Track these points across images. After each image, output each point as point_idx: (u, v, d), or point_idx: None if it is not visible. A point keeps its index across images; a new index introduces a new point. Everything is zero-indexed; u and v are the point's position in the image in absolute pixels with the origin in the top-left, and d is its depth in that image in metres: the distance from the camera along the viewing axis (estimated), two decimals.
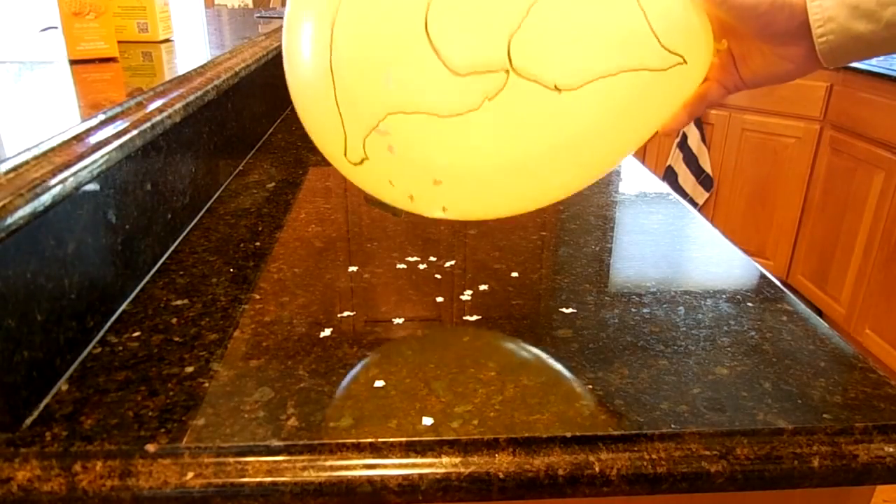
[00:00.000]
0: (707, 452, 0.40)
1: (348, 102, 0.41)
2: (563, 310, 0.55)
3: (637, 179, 0.91)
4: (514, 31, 0.37)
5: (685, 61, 0.42)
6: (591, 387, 0.44)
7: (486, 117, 0.40)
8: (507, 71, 0.38)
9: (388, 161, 0.43)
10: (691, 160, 2.34)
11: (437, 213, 0.47)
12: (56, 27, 0.77)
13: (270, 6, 2.61)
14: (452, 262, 0.63)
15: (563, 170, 0.44)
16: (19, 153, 0.42)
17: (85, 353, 0.47)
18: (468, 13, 0.38)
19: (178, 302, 0.55)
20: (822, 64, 0.43)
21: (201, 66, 0.78)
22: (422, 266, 0.63)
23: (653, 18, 0.40)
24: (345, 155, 0.44)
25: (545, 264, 0.64)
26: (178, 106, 0.62)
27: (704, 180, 2.34)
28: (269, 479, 0.38)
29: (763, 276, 0.62)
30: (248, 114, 0.97)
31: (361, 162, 0.44)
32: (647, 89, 0.42)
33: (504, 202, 0.47)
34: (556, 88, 0.39)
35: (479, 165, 0.42)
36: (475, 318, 0.53)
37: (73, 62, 0.76)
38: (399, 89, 0.40)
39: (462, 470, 0.38)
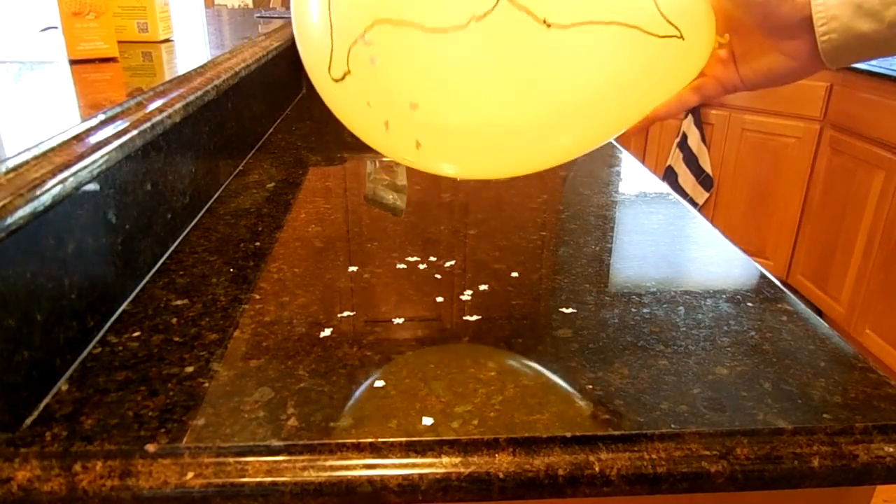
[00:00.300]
0: (707, 452, 0.40)
1: (340, 9, 0.42)
2: (563, 310, 0.55)
3: (637, 179, 0.91)
4: None
5: (682, 37, 0.42)
6: (591, 387, 0.44)
7: (471, 39, 0.39)
8: None
9: (368, 76, 0.43)
10: (691, 160, 2.34)
11: (410, 152, 0.46)
12: (56, 27, 0.77)
13: (270, 6, 2.61)
14: (452, 262, 0.63)
15: (547, 121, 0.44)
16: (19, 153, 0.42)
17: (85, 353, 0.47)
18: None
19: (178, 302, 0.55)
20: (821, 63, 0.42)
21: (201, 66, 0.78)
22: (422, 266, 0.63)
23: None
24: (329, 70, 0.44)
25: (545, 264, 0.64)
26: (178, 106, 0.62)
27: (704, 180, 2.34)
28: (269, 479, 0.38)
29: (763, 276, 0.62)
30: (248, 114, 0.97)
31: (343, 77, 0.43)
32: (638, 52, 0.41)
33: (483, 152, 0.46)
34: (546, 23, 0.39)
35: (457, 93, 0.42)
36: (475, 318, 0.53)
37: (73, 62, 0.76)
38: None
39: (462, 470, 0.38)
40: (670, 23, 0.41)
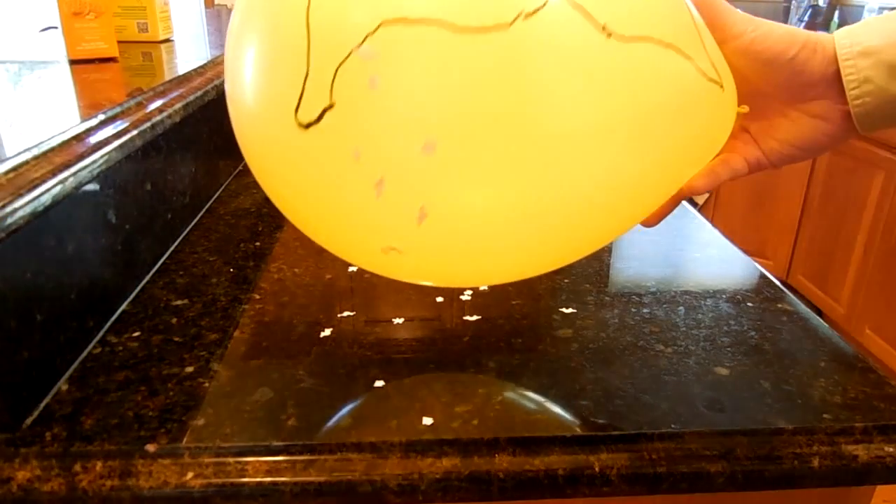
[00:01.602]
0: (707, 452, 0.40)
1: (326, 12, 0.31)
2: (563, 310, 0.55)
3: None
4: None
5: (722, 87, 0.37)
6: (591, 387, 0.44)
7: (513, 41, 0.30)
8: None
9: (362, 107, 0.31)
10: None
11: (405, 231, 0.34)
12: (56, 27, 0.77)
13: None
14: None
15: (582, 132, 0.33)
16: (19, 153, 0.42)
17: (85, 353, 0.47)
18: None
19: (178, 302, 0.55)
20: (851, 130, 0.37)
21: (201, 66, 0.78)
22: None
23: (702, 30, 0.36)
24: (295, 111, 0.32)
25: None
26: (178, 106, 0.62)
27: None
28: (269, 479, 0.38)
29: (763, 276, 0.62)
30: None
31: (319, 118, 0.31)
32: (687, 86, 0.35)
33: (504, 220, 0.34)
34: (605, 30, 0.31)
35: (493, 122, 0.31)
36: (475, 318, 0.53)
37: (73, 62, 0.76)
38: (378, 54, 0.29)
39: (462, 470, 0.38)
40: (714, 67, 0.36)
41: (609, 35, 0.31)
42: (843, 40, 0.36)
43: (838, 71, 0.36)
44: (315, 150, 0.33)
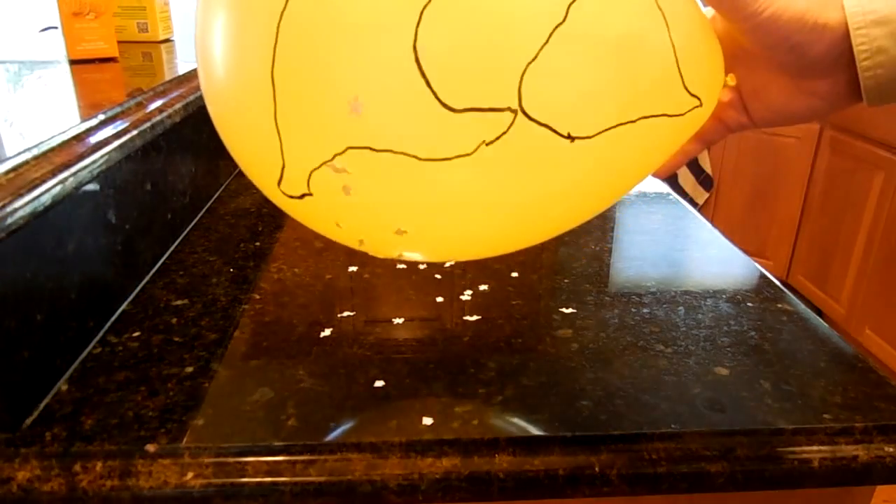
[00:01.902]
0: (707, 452, 0.40)
1: (293, 125, 0.31)
2: (563, 310, 0.55)
3: None
4: (530, 62, 0.29)
5: (701, 104, 0.37)
6: (591, 387, 0.44)
7: (478, 163, 0.31)
8: (515, 112, 0.30)
9: (339, 202, 0.33)
10: (691, 160, 2.34)
11: (392, 255, 0.39)
12: (56, 27, 0.77)
13: None
14: (452, 262, 0.63)
15: (555, 216, 0.38)
16: (19, 153, 0.42)
17: (85, 353, 0.47)
18: (472, 33, 0.29)
19: (178, 302, 0.55)
20: (857, 100, 0.35)
21: None
22: (422, 266, 0.63)
23: (681, 53, 0.34)
24: (279, 185, 0.34)
25: (545, 264, 0.64)
26: (178, 106, 0.62)
27: (704, 180, 2.34)
28: (269, 479, 0.38)
29: (763, 276, 0.62)
30: None
31: (302, 197, 0.34)
32: (659, 135, 0.36)
33: (478, 246, 0.40)
34: (569, 136, 0.31)
35: (458, 215, 0.34)
36: (475, 318, 0.53)
37: (73, 62, 0.76)
38: (368, 120, 0.30)
39: (462, 470, 0.38)
40: (693, 95, 0.35)
41: (573, 140, 0.32)
42: (854, 8, 0.33)
43: (841, 55, 0.34)
44: (302, 211, 0.36)
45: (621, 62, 0.32)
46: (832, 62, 0.34)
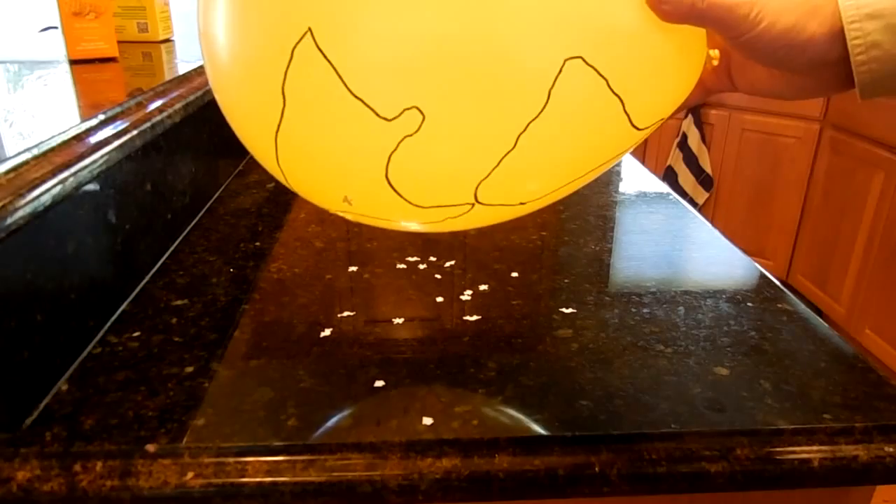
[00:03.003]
0: (707, 452, 0.40)
1: (302, 190, 0.40)
2: (563, 310, 0.55)
3: (637, 179, 0.91)
4: (483, 180, 0.35)
5: (665, 117, 0.38)
6: (591, 387, 0.44)
7: (447, 224, 0.39)
8: (473, 203, 0.36)
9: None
10: (691, 160, 2.34)
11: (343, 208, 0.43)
12: (56, 27, 0.77)
13: None
14: (452, 262, 0.63)
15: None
16: (19, 153, 0.42)
17: (85, 353, 0.47)
18: (433, 165, 0.34)
19: (178, 302, 0.55)
20: (845, 89, 0.36)
21: (201, 66, 0.78)
22: (422, 266, 0.63)
23: (628, 100, 0.34)
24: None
25: (545, 264, 0.64)
26: (178, 106, 0.62)
27: (704, 180, 2.34)
28: (269, 479, 0.38)
29: (763, 276, 0.62)
30: None
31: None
32: (623, 152, 0.39)
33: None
34: (521, 204, 0.38)
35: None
36: (475, 318, 0.53)
37: (73, 62, 0.76)
38: (357, 205, 0.38)
39: (462, 470, 0.38)
40: (646, 127, 0.37)
41: (524, 204, 0.39)
42: (847, 2, 0.33)
43: (835, 51, 0.34)
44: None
45: (568, 153, 0.36)
46: (822, 62, 0.34)
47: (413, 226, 0.41)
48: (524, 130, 0.33)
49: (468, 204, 0.36)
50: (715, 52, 0.39)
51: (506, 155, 0.33)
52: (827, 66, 0.35)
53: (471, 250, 0.66)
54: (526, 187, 0.37)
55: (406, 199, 0.36)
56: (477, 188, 0.35)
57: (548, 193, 0.38)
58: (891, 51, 0.33)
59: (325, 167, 0.36)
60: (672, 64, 0.36)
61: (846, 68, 0.34)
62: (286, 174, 0.38)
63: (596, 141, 0.36)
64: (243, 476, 0.38)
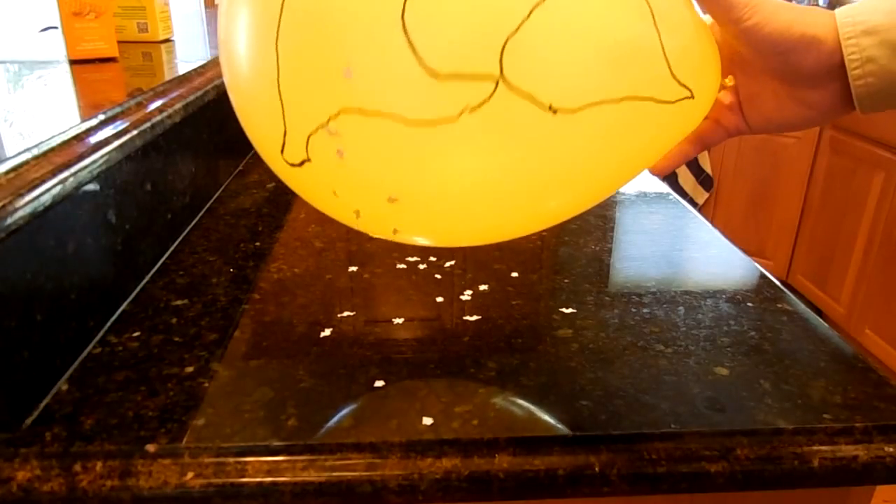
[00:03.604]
0: (707, 452, 0.40)
1: (293, 91, 0.34)
2: (563, 310, 0.55)
3: (637, 179, 0.91)
4: (512, 34, 0.31)
5: (692, 96, 0.37)
6: (591, 387, 0.44)
7: (462, 131, 0.33)
8: (497, 80, 0.32)
9: (334, 167, 0.35)
10: (691, 160, 2.34)
11: (387, 235, 0.40)
12: (56, 27, 0.77)
13: None
14: (452, 262, 0.63)
15: (543, 199, 0.38)
16: (19, 153, 0.42)
17: (85, 353, 0.47)
18: (457, 5, 0.31)
19: (178, 302, 0.55)
20: (849, 110, 0.37)
21: (201, 66, 0.78)
22: (422, 266, 0.63)
23: (666, 40, 0.35)
24: (281, 153, 0.37)
25: (545, 264, 0.64)
26: (178, 106, 0.62)
27: (704, 180, 2.34)
28: (269, 479, 0.38)
29: (763, 276, 0.62)
30: None
31: (301, 164, 0.36)
32: (648, 122, 0.36)
33: (469, 230, 0.40)
34: (552, 109, 0.33)
35: (447, 186, 0.36)
36: (475, 318, 0.53)
37: (73, 62, 0.76)
38: (359, 84, 0.32)
39: (462, 470, 0.38)
40: (682, 84, 0.36)
41: (555, 112, 0.33)
42: (844, 18, 0.34)
43: (833, 66, 0.35)
44: (303, 180, 0.39)
45: (602, 40, 0.33)
46: (824, 73, 0.35)
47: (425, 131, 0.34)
48: None
49: (492, 80, 0.31)
50: (730, 79, 0.40)
51: (537, 6, 0.31)
52: (827, 78, 0.35)
53: (471, 250, 0.66)
54: (557, 74, 0.33)
55: (420, 58, 0.31)
56: (504, 49, 0.31)
57: (579, 106, 0.33)
58: (886, 66, 0.34)
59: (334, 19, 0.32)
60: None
61: (846, 84, 0.35)
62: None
63: (629, 55, 0.34)
64: (243, 476, 0.38)
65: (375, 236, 0.41)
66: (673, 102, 0.36)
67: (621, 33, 0.34)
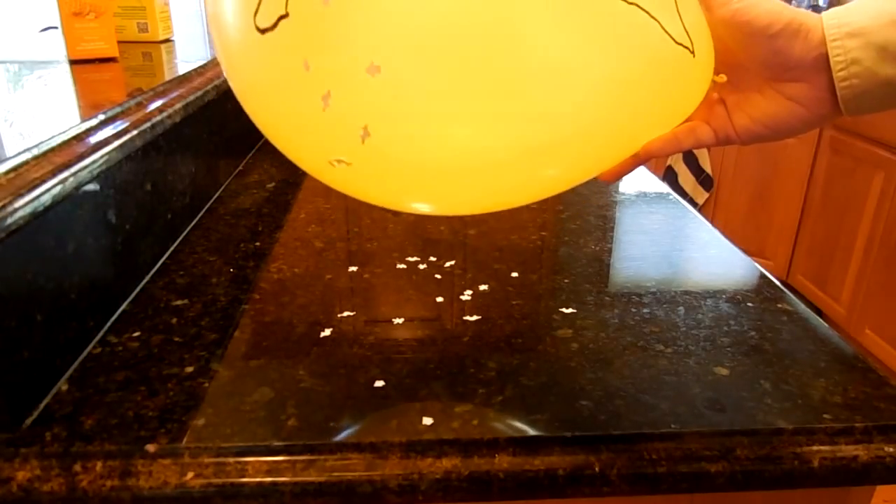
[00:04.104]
0: (707, 452, 0.40)
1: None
2: (563, 310, 0.55)
3: (637, 179, 0.91)
4: None
5: (693, 52, 0.36)
6: (591, 387, 0.44)
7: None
8: None
9: (314, 21, 0.32)
10: (691, 160, 2.34)
11: (349, 146, 0.34)
12: (56, 27, 0.77)
13: None
14: (452, 262, 0.63)
15: (538, 121, 0.34)
16: (19, 153, 0.42)
17: (85, 353, 0.47)
18: None
19: (178, 302, 0.55)
20: (837, 111, 0.36)
21: (201, 66, 0.78)
22: (422, 266, 0.63)
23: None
24: (254, 16, 0.33)
25: (545, 264, 0.64)
26: (178, 106, 0.62)
27: (704, 180, 2.34)
28: (269, 479, 0.38)
29: (763, 276, 0.62)
30: None
31: (276, 24, 0.32)
32: (651, 50, 0.35)
33: (454, 151, 0.35)
34: None
35: (442, 50, 0.31)
36: (475, 318, 0.53)
37: (73, 62, 0.76)
38: None
39: (462, 470, 0.38)
40: (686, 31, 0.35)
41: None
42: (830, 20, 0.35)
43: (821, 56, 0.35)
44: (270, 55, 0.34)
45: None
46: (810, 64, 0.35)
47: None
48: None
49: None
50: (721, 76, 0.39)
51: None
52: (813, 69, 0.35)
53: (471, 250, 0.66)
54: None
55: None
56: None
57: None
58: (871, 67, 0.34)
59: None
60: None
61: (831, 84, 0.35)
62: None
63: None
64: (243, 476, 0.38)
65: (337, 161, 0.35)
66: (676, 42, 0.35)
67: None
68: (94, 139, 0.49)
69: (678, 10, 0.35)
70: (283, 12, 0.32)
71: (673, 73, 0.37)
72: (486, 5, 0.31)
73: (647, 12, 0.34)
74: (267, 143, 1.08)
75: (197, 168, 0.73)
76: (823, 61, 0.35)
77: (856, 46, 0.34)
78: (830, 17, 0.35)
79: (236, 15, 0.35)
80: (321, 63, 0.32)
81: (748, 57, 0.37)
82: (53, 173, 0.42)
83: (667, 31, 0.34)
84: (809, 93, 0.36)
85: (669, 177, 2.41)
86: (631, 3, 0.33)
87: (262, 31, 0.33)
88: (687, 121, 0.40)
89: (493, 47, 0.31)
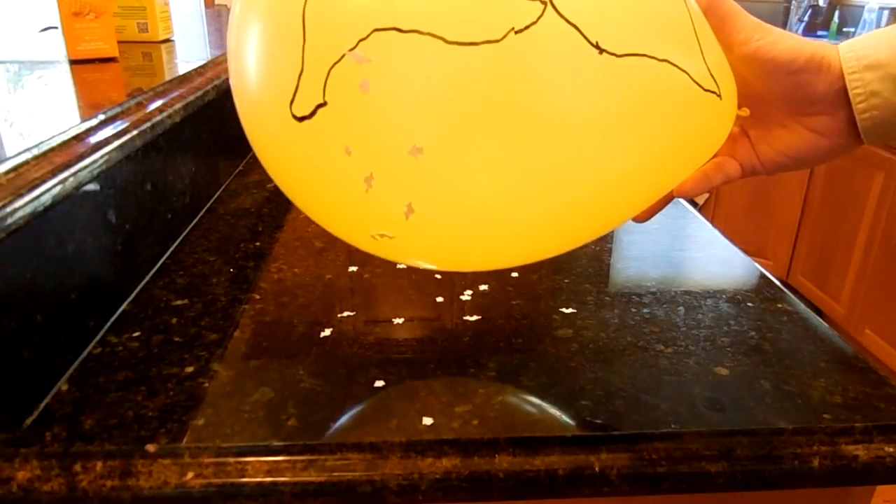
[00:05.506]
0: (707, 452, 0.40)
1: (321, 14, 0.31)
2: (563, 310, 0.55)
3: None
4: None
5: (720, 96, 0.37)
6: (591, 387, 0.44)
7: (505, 52, 0.30)
8: (546, 3, 0.30)
9: (354, 109, 0.32)
10: None
11: (393, 223, 0.35)
12: (56, 27, 0.77)
13: None
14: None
15: (580, 175, 0.35)
16: (19, 153, 0.42)
17: (85, 353, 0.47)
18: None
19: (178, 302, 0.55)
20: (859, 141, 0.37)
21: (201, 66, 0.78)
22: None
23: (702, 36, 0.35)
24: (291, 104, 0.33)
25: (545, 264, 0.64)
26: (178, 106, 0.62)
27: None
28: (269, 479, 0.38)
29: (763, 276, 0.62)
30: None
31: (312, 113, 0.33)
32: (682, 100, 0.35)
33: (488, 227, 0.36)
34: (597, 47, 0.31)
35: (475, 130, 0.32)
36: (475, 318, 0.53)
37: (73, 62, 0.76)
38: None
39: (462, 470, 0.38)
40: (712, 76, 0.36)
41: (601, 52, 0.32)
42: (847, 53, 0.35)
43: (842, 89, 0.35)
44: (309, 142, 0.34)
45: (652, 1, 0.34)
46: (833, 98, 0.36)
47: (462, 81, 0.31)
48: None
49: (541, 2, 0.30)
50: (744, 110, 0.40)
51: None
52: (835, 104, 0.36)
53: None
54: (605, 12, 0.32)
55: None
56: None
57: (623, 52, 0.32)
58: (889, 98, 0.35)
59: None
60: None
61: (851, 115, 0.36)
62: None
63: (671, 22, 0.34)
64: (243, 476, 0.38)
65: (380, 235, 0.37)
66: (704, 90, 0.36)
67: (669, 4, 0.34)
68: (94, 139, 0.49)
69: (703, 55, 0.36)
70: (320, 101, 0.32)
71: (702, 116, 0.37)
72: (522, 81, 0.31)
73: (678, 67, 0.34)
74: None
75: (197, 168, 0.73)
76: (843, 94, 0.36)
77: (874, 78, 0.35)
78: (847, 49, 0.36)
79: (271, 103, 0.35)
80: (363, 148, 0.33)
81: (770, 92, 0.38)
82: (53, 173, 0.42)
83: (696, 82, 0.35)
84: (831, 124, 0.37)
85: None
86: (662, 61, 0.34)
87: (300, 119, 0.33)
88: (714, 156, 0.40)
89: (532, 120, 0.32)
